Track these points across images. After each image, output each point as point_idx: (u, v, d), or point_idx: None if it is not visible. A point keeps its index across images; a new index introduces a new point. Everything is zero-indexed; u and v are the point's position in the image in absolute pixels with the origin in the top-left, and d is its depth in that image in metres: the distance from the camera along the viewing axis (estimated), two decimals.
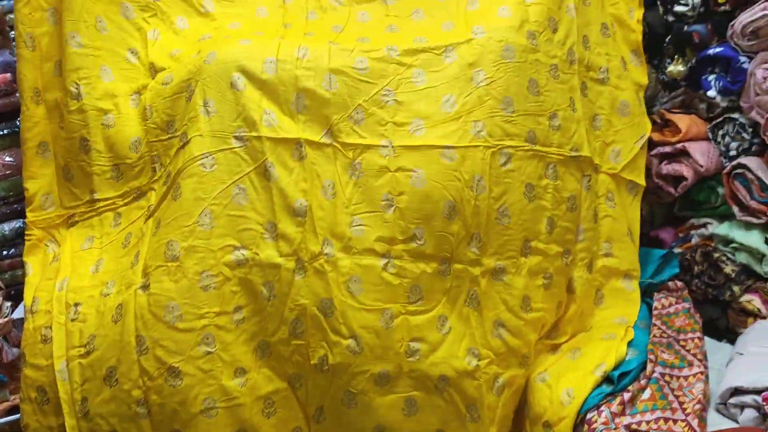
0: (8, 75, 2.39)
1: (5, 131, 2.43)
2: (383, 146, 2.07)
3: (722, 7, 2.32)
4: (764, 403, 1.81)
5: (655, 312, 2.31)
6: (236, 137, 2.07)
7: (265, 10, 2.41)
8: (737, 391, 1.91)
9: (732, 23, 2.28)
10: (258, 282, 2.05)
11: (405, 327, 2.04)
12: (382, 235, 2.05)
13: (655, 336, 2.19)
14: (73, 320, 2.08)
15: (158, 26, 2.33)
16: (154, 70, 2.28)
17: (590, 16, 2.37)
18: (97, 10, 2.26)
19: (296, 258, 2.04)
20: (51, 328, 2.09)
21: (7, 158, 2.41)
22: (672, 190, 2.49)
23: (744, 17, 2.24)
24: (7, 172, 2.41)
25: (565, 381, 2.06)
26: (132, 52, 2.29)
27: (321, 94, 2.08)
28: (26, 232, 2.30)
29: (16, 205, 2.45)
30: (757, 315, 2.28)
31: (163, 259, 2.02)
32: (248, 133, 2.06)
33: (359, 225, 2.05)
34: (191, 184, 2.04)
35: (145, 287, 2.02)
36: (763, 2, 2.20)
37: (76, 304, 2.10)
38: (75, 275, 2.17)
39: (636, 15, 2.46)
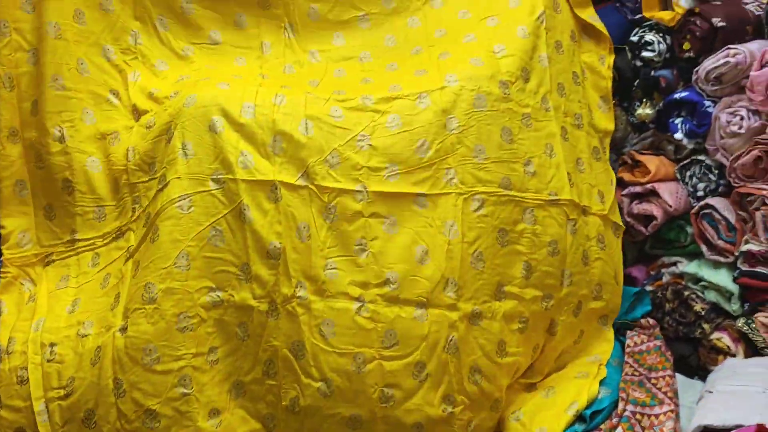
0: None
1: None
2: (357, 191, 2.10)
3: (687, 54, 2.40)
4: None
5: (627, 350, 2.35)
6: (213, 179, 2.09)
7: (243, 60, 2.45)
8: (706, 430, 1.93)
9: (696, 69, 2.36)
10: (233, 323, 2.07)
11: (379, 372, 2.03)
12: (356, 279, 2.07)
13: (627, 374, 2.23)
14: (49, 361, 2.08)
15: (139, 68, 2.36)
16: (137, 112, 2.31)
17: (564, 64, 2.42)
18: (79, 52, 2.27)
19: (269, 300, 2.05)
20: (27, 369, 2.08)
21: None
22: (643, 229, 2.54)
23: (708, 64, 2.32)
24: None
25: (539, 420, 2.09)
26: (113, 94, 2.31)
27: (297, 138, 2.11)
28: (2, 270, 2.30)
29: None
30: (726, 353, 2.32)
31: (141, 301, 2.03)
32: (225, 175, 2.08)
33: (333, 268, 2.07)
34: (169, 226, 2.06)
35: (123, 329, 2.02)
36: (725, 50, 2.28)
37: (51, 345, 2.09)
38: (51, 315, 2.16)
39: (607, 62, 2.54)
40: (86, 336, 2.08)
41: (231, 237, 2.07)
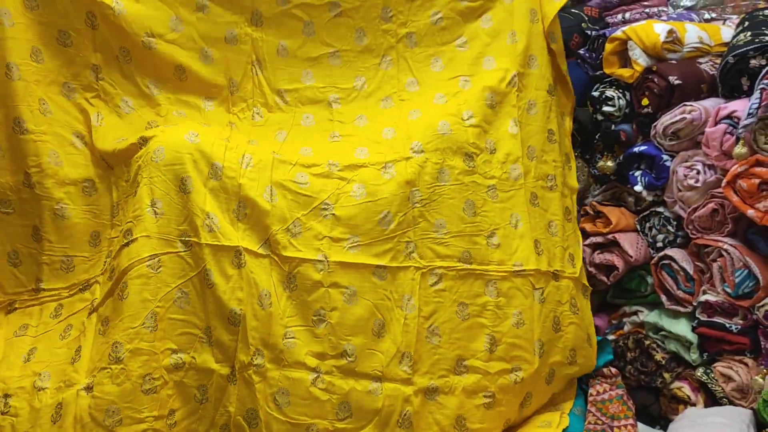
0: None
1: None
2: (318, 261, 2.10)
3: (645, 109, 2.47)
4: None
5: (590, 398, 2.37)
6: (182, 241, 2.08)
7: (210, 103, 2.41)
8: None
9: (654, 124, 2.44)
10: (192, 385, 2.05)
11: None
12: (313, 349, 2.06)
13: (590, 423, 2.24)
14: (3, 413, 2.01)
15: (101, 109, 2.29)
16: (104, 161, 2.26)
17: (537, 125, 2.42)
18: (39, 92, 2.21)
19: (230, 365, 2.04)
20: None
21: None
22: (605, 278, 2.58)
23: (665, 119, 2.40)
24: None
25: None
26: (77, 137, 2.26)
27: (261, 205, 2.11)
28: None
29: None
30: (687, 402, 2.34)
31: (107, 361, 1.99)
32: (192, 238, 2.07)
33: (291, 338, 2.06)
34: (138, 285, 2.03)
35: (89, 389, 1.98)
36: (681, 106, 2.36)
37: (5, 396, 2.03)
38: (5, 363, 2.10)
39: (567, 123, 2.59)
40: (43, 390, 2.02)
41: (196, 299, 2.06)
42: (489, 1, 2.47)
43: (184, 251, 2.07)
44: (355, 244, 2.12)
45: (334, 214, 2.13)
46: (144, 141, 2.20)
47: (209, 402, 2.04)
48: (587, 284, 2.46)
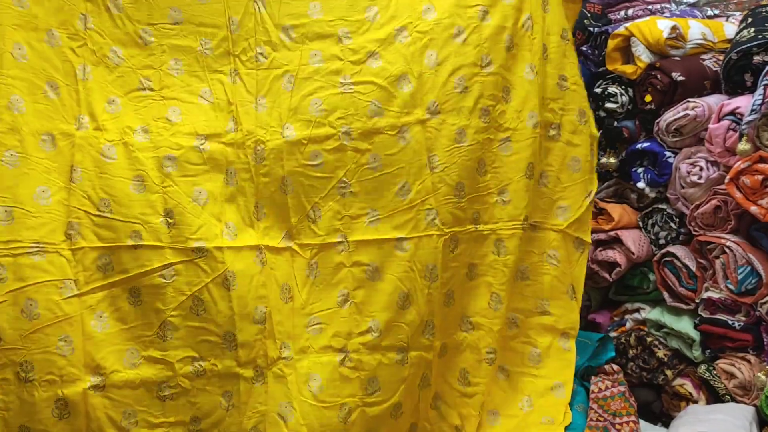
0: None
1: None
2: (339, 242, 2.10)
3: (648, 106, 2.47)
4: None
5: (592, 395, 2.36)
6: (196, 248, 2.04)
7: (209, 46, 2.22)
8: None
9: (657, 121, 2.43)
10: (216, 393, 2.03)
11: (362, 421, 2.04)
12: (339, 330, 2.07)
13: (591, 420, 2.23)
14: None
15: (87, 60, 2.12)
16: (93, 120, 2.08)
17: (549, 70, 2.31)
18: (17, 37, 2.05)
19: (254, 366, 2.03)
20: None
21: None
22: (607, 275, 2.58)
23: (668, 116, 2.39)
24: None
25: None
26: (51, 86, 2.07)
27: (279, 200, 2.10)
28: None
29: None
30: (689, 399, 2.34)
31: (123, 365, 1.97)
32: (208, 244, 2.03)
33: (317, 324, 2.07)
34: (151, 294, 2.01)
35: (99, 388, 1.95)
36: (684, 103, 2.35)
37: None
38: None
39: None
40: (30, 382, 1.93)
41: (213, 306, 2.03)
42: None
43: (199, 258, 2.04)
44: (375, 218, 2.11)
45: (351, 192, 2.12)
46: (145, 131, 2.10)
47: (235, 408, 2.03)
48: (585, 239, 2.34)
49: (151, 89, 2.15)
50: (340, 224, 2.11)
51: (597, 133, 2.35)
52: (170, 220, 2.04)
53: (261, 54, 2.22)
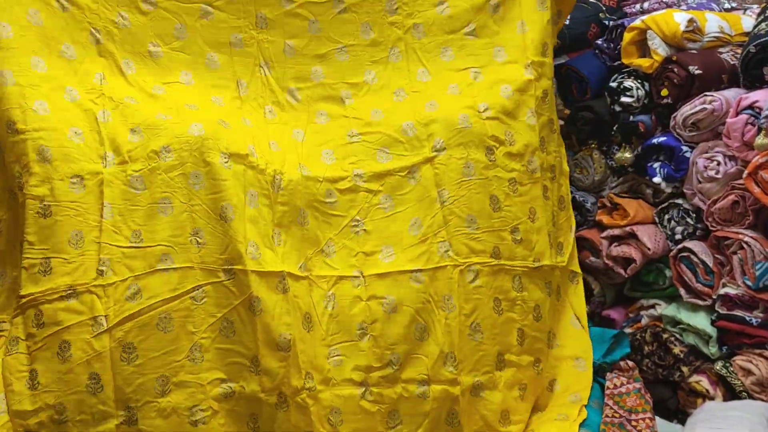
0: None
1: None
2: (354, 276, 2.12)
3: (665, 100, 2.45)
4: None
5: (607, 392, 2.35)
6: (225, 270, 2.04)
7: (220, 99, 2.33)
8: None
9: (674, 115, 2.41)
10: (244, 413, 2.03)
11: None
12: (359, 363, 2.07)
13: (607, 416, 2.22)
14: None
15: (107, 106, 2.16)
16: (118, 155, 2.10)
17: (546, 116, 2.40)
18: (38, 95, 2.07)
19: (278, 392, 2.02)
20: None
21: None
22: (622, 271, 2.56)
23: (685, 110, 2.37)
24: None
25: None
26: (76, 133, 2.09)
27: (295, 231, 2.13)
28: None
29: None
30: (705, 396, 2.32)
31: (153, 394, 1.97)
32: (235, 266, 2.03)
33: (336, 356, 2.07)
34: (182, 317, 2.01)
35: (131, 422, 1.95)
36: (701, 97, 2.33)
37: None
38: (10, 395, 1.95)
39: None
40: (64, 423, 1.93)
41: (242, 328, 2.03)
42: None
43: (227, 280, 2.04)
44: (389, 255, 2.15)
45: (365, 230, 2.17)
46: (167, 150, 2.11)
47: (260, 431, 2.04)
48: (578, 270, 2.48)
49: (170, 116, 2.20)
50: (354, 260, 2.14)
51: (567, 168, 2.55)
52: (199, 240, 2.05)
53: (270, 112, 2.37)
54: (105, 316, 1.97)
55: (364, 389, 2.06)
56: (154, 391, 1.97)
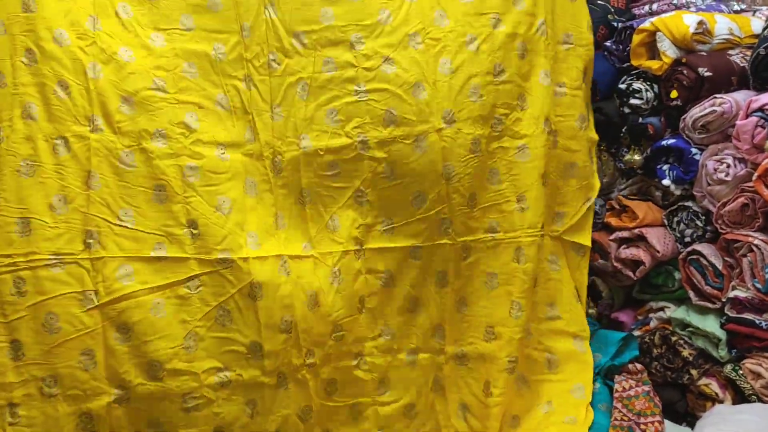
0: None
1: None
2: (356, 250, 2.12)
3: (674, 102, 2.44)
4: None
5: (615, 395, 2.34)
6: (221, 259, 2.05)
7: (222, 50, 2.21)
8: None
9: (683, 117, 2.40)
10: (241, 402, 2.04)
11: (374, 417, 2.10)
12: (357, 336, 2.12)
13: (616, 419, 2.21)
14: (12, 425, 1.92)
15: (98, 57, 2.07)
16: (107, 122, 2.04)
17: (554, 76, 2.31)
18: (28, 41, 2.02)
19: (278, 373, 2.05)
20: None
21: None
22: (631, 273, 2.55)
23: (694, 112, 2.36)
24: None
25: None
26: (62, 86, 2.02)
27: (297, 211, 2.12)
28: None
29: None
30: (714, 399, 2.31)
31: (145, 377, 1.98)
32: (233, 254, 2.04)
33: (339, 332, 2.10)
34: (175, 305, 2.01)
35: (123, 400, 1.96)
36: (711, 99, 2.32)
37: (11, 405, 1.93)
38: None
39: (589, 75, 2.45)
40: (54, 396, 1.93)
41: (239, 316, 2.04)
42: None
43: (224, 269, 2.04)
44: (390, 226, 2.13)
45: (368, 200, 2.13)
46: (162, 134, 2.09)
47: (260, 415, 2.05)
48: (584, 243, 2.37)
49: (165, 91, 2.11)
50: (357, 232, 2.13)
51: (596, 138, 2.37)
52: (194, 231, 2.04)
53: (274, 60, 2.21)
54: (95, 291, 1.95)
55: (359, 359, 2.12)
56: (146, 374, 1.98)
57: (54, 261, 1.94)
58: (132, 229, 2.02)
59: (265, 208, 2.11)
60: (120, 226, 2.00)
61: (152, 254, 2.02)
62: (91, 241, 1.97)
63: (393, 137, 2.15)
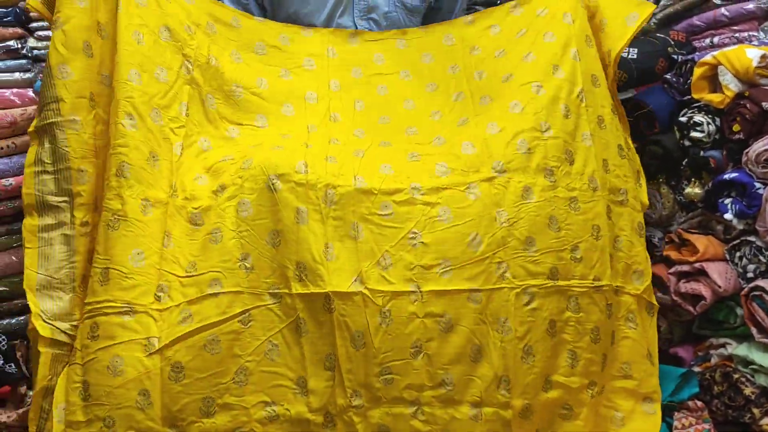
0: None
1: None
2: (412, 292, 2.08)
3: (736, 136, 2.42)
4: None
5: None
6: (271, 294, 2.08)
7: (289, 136, 2.34)
8: None
9: (746, 151, 2.37)
10: None
11: None
12: (412, 382, 2.05)
13: None
14: None
15: (183, 139, 2.26)
16: (183, 191, 2.19)
17: (608, 138, 2.38)
18: (128, 108, 2.15)
19: (325, 412, 2.04)
20: None
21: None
22: (691, 308, 2.52)
23: (757, 146, 2.34)
24: None
25: None
26: (153, 157, 2.17)
27: (348, 245, 2.11)
28: None
29: None
30: None
31: (198, 414, 2.00)
32: (281, 290, 2.07)
33: (388, 374, 2.05)
34: (229, 340, 2.04)
35: None
36: None
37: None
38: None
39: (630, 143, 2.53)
40: None
41: (287, 351, 2.06)
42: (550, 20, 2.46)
43: (273, 304, 2.07)
44: (447, 268, 2.11)
45: (423, 242, 2.11)
46: (221, 188, 2.17)
47: None
48: (654, 302, 2.38)
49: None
50: (412, 274, 2.09)
51: (647, 202, 2.48)
52: (247, 265, 2.08)
53: (335, 84, 2.46)
54: (158, 337, 2.01)
55: (415, 408, 2.05)
56: (199, 412, 2.00)
57: (125, 309, 2.03)
58: (194, 276, 2.09)
59: (315, 237, 2.10)
60: (186, 277, 2.09)
61: (208, 291, 2.06)
62: (160, 294, 2.06)
63: (445, 185, 2.19)
